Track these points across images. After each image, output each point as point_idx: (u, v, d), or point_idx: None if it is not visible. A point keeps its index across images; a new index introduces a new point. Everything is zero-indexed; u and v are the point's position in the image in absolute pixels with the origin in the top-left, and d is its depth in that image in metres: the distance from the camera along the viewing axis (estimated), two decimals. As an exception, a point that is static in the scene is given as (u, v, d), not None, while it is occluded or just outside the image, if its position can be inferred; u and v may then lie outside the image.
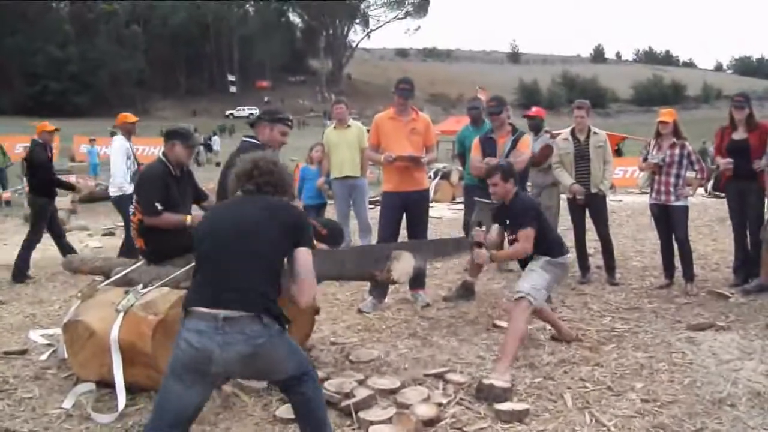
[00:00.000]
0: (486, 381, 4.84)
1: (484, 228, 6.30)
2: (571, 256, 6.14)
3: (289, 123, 5.65)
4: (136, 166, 9.27)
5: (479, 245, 6.11)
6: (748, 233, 7.94)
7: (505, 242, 6.29)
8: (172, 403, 3.30)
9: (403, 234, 7.79)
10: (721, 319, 6.69)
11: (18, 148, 26.48)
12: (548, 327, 6.32)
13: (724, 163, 7.80)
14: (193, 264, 3.62)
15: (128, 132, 9.58)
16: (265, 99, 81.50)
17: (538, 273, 5.69)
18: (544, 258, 5.75)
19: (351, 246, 9.06)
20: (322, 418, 3.62)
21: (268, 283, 3.40)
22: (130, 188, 8.33)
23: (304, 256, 3.57)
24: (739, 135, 7.78)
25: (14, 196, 20.14)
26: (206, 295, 3.32)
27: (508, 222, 5.99)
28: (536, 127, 9.08)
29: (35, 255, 9.47)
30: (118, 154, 9.19)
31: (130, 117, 9.77)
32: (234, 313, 3.22)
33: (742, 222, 7.95)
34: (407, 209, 7.49)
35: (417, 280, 7.33)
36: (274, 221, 3.52)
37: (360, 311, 7.22)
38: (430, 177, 15.92)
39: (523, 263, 5.97)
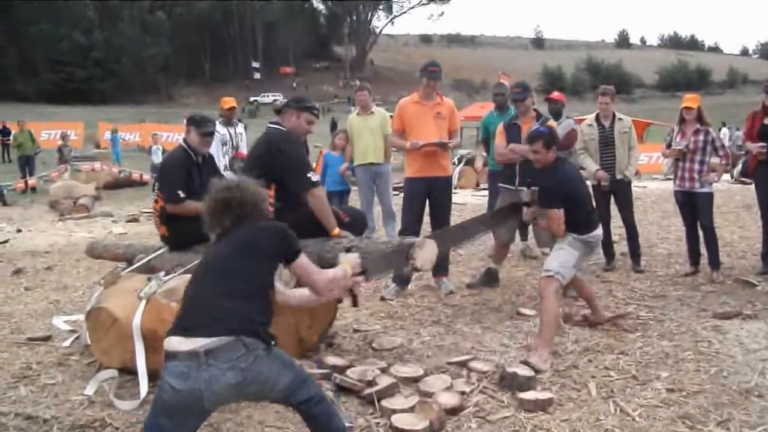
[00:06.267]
0: (510, 369, 4.82)
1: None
2: (600, 233, 6.02)
3: (316, 112, 5.65)
4: (233, 152, 9.36)
5: (527, 204, 6.09)
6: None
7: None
8: None
9: (425, 221, 7.72)
10: (748, 307, 6.60)
11: (44, 135, 26.73)
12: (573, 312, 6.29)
13: (757, 147, 7.64)
14: None
15: (226, 118, 9.68)
16: (294, 85, 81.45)
17: (566, 251, 5.65)
18: (572, 234, 5.68)
19: (375, 232, 9.04)
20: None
21: (250, 304, 3.31)
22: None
23: (300, 266, 3.65)
24: None
25: (39, 182, 20.31)
26: (184, 322, 3.26)
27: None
28: (557, 112, 8.99)
29: (60, 241, 9.52)
30: (215, 141, 9.22)
31: (226, 102, 9.90)
32: (214, 342, 3.09)
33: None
34: (431, 195, 7.43)
35: (441, 267, 7.33)
36: (252, 253, 3.48)
37: (383, 298, 7.22)
38: (453, 163, 15.83)
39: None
